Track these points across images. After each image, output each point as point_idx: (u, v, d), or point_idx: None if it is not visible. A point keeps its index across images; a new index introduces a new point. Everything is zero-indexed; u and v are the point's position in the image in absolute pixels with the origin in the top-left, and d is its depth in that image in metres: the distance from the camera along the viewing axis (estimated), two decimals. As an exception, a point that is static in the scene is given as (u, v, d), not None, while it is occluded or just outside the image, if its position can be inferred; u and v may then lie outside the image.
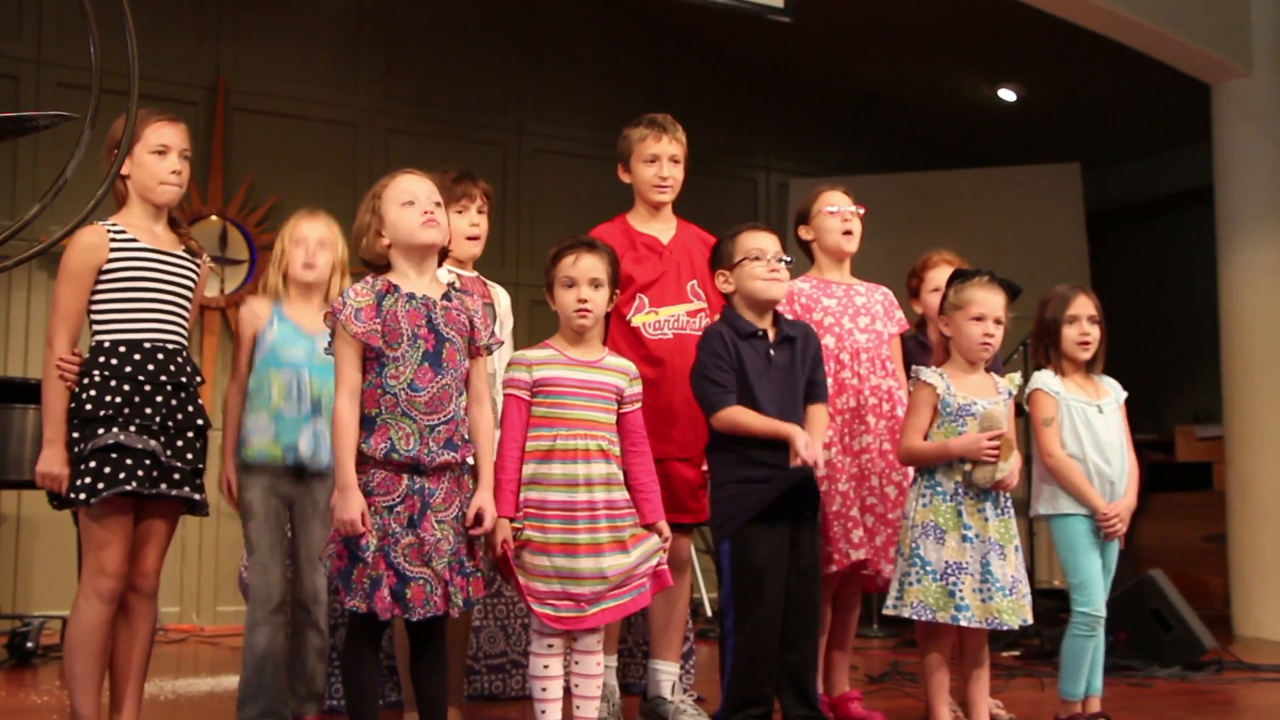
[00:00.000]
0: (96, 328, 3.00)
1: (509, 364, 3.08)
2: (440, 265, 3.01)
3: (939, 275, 3.87)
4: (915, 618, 3.28)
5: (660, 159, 3.64)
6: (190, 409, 3.04)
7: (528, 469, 2.95)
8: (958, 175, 8.14)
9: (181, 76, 6.62)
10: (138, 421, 2.91)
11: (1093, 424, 3.55)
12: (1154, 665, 4.87)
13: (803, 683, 3.26)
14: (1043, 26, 6.28)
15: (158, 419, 2.95)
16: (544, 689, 2.96)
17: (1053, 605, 6.10)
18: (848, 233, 3.76)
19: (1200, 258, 7.30)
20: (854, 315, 3.72)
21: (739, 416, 3.24)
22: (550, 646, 2.96)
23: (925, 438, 3.35)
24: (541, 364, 3.02)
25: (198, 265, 3.14)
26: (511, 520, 2.90)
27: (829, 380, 3.51)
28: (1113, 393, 3.66)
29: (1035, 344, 3.71)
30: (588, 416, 2.99)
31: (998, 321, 3.38)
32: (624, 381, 3.08)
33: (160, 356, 2.99)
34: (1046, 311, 3.65)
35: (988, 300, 3.38)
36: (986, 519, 3.30)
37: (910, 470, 3.49)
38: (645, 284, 3.58)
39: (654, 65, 7.99)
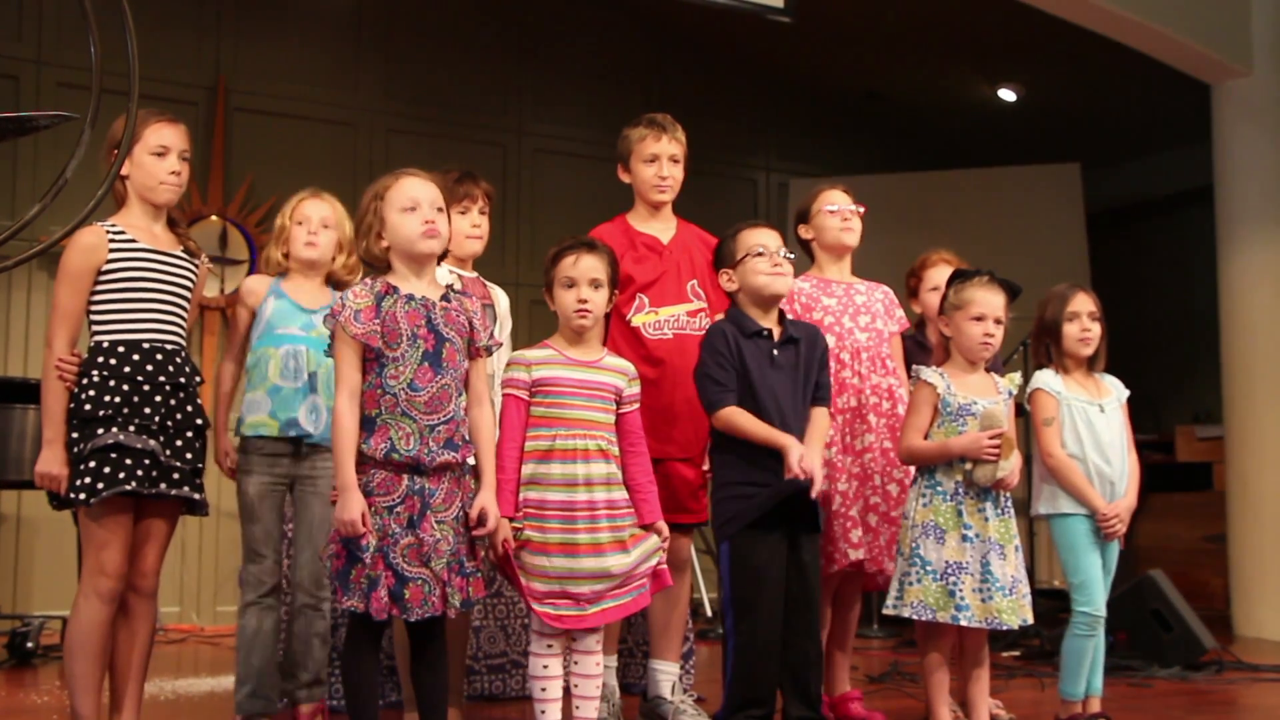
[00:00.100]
0: (95, 328, 3.00)
1: (508, 364, 3.08)
2: (440, 264, 3.01)
3: (937, 275, 3.87)
4: (915, 617, 3.29)
5: (660, 159, 3.64)
6: (189, 409, 3.04)
7: (527, 469, 2.95)
8: (958, 175, 8.14)
9: (181, 76, 6.62)
10: (137, 421, 2.92)
11: (1094, 424, 3.56)
12: (1154, 665, 4.87)
13: (803, 683, 3.26)
14: (1043, 26, 6.28)
15: (157, 419, 2.95)
16: (543, 689, 2.96)
17: (1053, 605, 6.09)
18: (848, 230, 3.76)
19: (1200, 258, 7.29)
20: (854, 314, 3.72)
21: (736, 419, 3.24)
22: (550, 647, 2.96)
23: (925, 437, 3.35)
24: (540, 364, 3.02)
25: (196, 265, 3.14)
26: (511, 520, 2.90)
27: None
28: (1115, 391, 3.66)
29: (1036, 344, 3.72)
30: (587, 416, 2.99)
31: (998, 321, 3.39)
32: (623, 382, 3.08)
33: (159, 357, 2.99)
34: (1046, 312, 3.66)
35: (988, 300, 3.38)
36: (987, 519, 3.30)
37: (912, 469, 3.49)
38: (645, 284, 3.58)
39: (654, 65, 7.99)
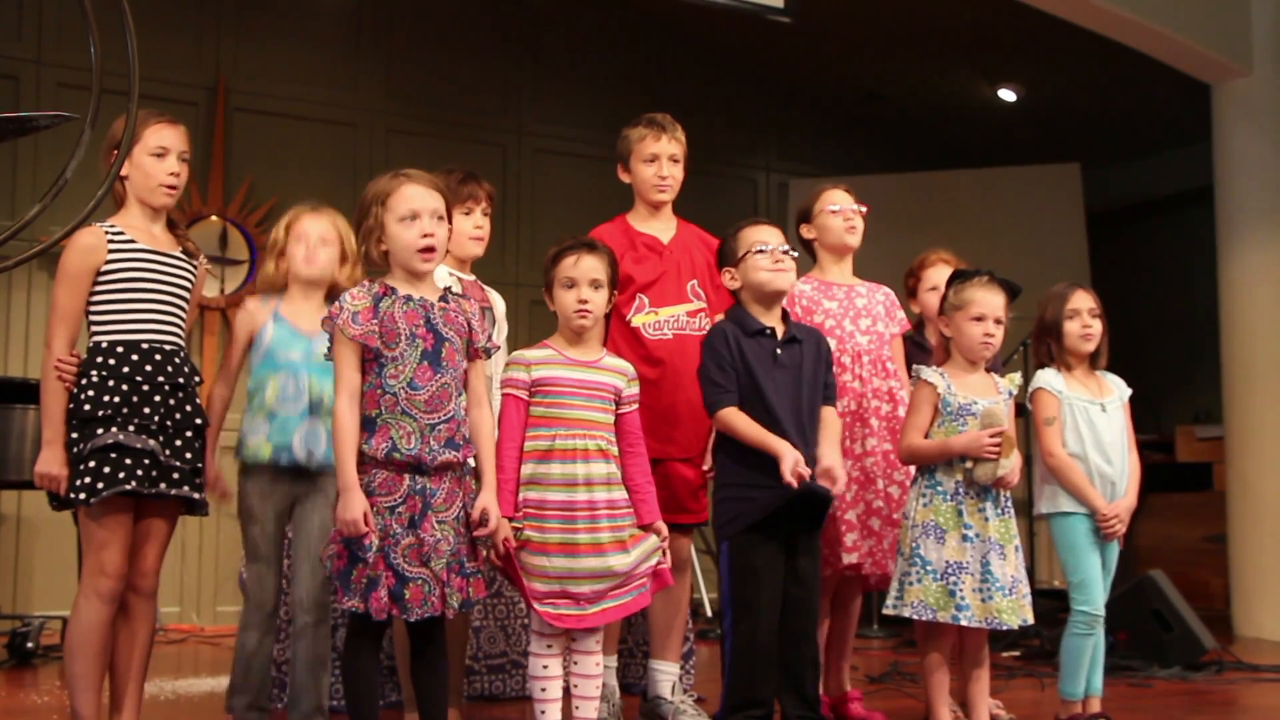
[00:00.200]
0: (95, 328, 3.00)
1: (507, 363, 3.08)
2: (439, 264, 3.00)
3: (936, 274, 3.87)
4: (915, 617, 3.29)
5: (660, 158, 3.64)
6: (188, 408, 3.04)
7: (526, 469, 2.95)
8: (958, 175, 8.14)
9: (181, 76, 6.62)
10: (136, 421, 2.92)
11: (1095, 423, 3.56)
12: (1154, 665, 4.87)
13: (802, 683, 3.26)
14: (1043, 26, 6.28)
15: (156, 419, 2.95)
16: (543, 689, 2.96)
17: (1053, 605, 6.09)
18: (850, 231, 3.76)
19: (1200, 258, 7.30)
20: (855, 317, 3.71)
21: (734, 421, 3.24)
22: (549, 647, 2.96)
23: (926, 437, 3.35)
24: (540, 364, 3.02)
25: (195, 266, 3.14)
26: (511, 520, 2.90)
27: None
28: (1117, 390, 3.66)
29: (1037, 344, 3.72)
30: (586, 416, 2.99)
31: (998, 321, 3.39)
32: (622, 382, 3.08)
33: (158, 357, 2.99)
34: (1047, 312, 3.66)
35: (988, 300, 3.38)
36: (987, 518, 3.30)
37: (912, 470, 3.49)
38: (645, 284, 3.58)
39: (654, 65, 7.99)
